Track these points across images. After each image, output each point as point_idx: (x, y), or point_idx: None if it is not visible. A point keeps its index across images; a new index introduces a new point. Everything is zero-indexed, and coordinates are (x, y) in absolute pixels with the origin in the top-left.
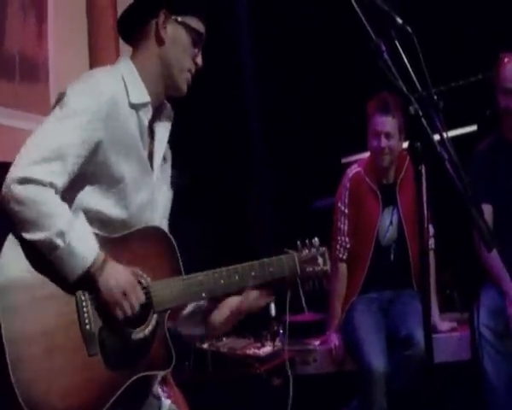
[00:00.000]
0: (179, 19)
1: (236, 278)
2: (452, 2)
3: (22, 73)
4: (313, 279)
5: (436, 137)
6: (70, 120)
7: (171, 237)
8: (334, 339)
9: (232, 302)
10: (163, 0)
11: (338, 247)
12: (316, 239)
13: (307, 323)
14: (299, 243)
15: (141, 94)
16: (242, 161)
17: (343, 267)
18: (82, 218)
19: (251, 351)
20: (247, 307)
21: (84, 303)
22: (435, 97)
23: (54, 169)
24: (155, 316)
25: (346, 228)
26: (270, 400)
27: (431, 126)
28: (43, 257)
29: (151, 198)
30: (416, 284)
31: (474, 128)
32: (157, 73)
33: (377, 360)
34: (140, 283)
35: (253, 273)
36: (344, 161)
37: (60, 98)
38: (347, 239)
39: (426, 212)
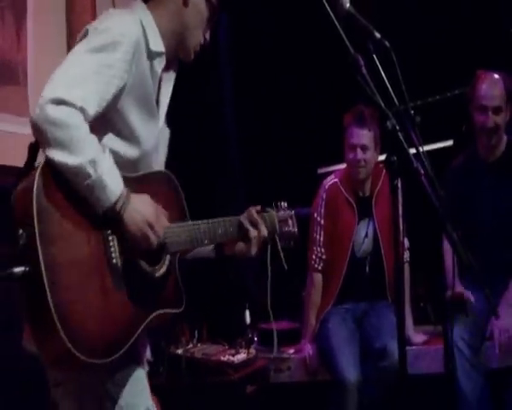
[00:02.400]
0: None
1: (231, 229)
2: (430, 16)
3: (0, 76)
4: (286, 239)
5: (412, 151)
6: (104, 53)
7: (178, 183)
8: (309, 348)
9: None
10: None
11: (313, 257)
12: (284, 203)
13: (282, 331)
14: (274, 204)
15: (158, 43)
16: (218, 169)
17: (318, 277)
18: (108, 152)
19: (225, 358)
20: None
21: (110, 238)
22: (412, 112)
23: (86, 96)
24: (169, 257)
25: (321, 239)
26: (244, 407)
27: (407, 141)
28: (74, 185)
29: (157, 143)
30: (390, 297)
31: (450, 143)
32: (172, 30)
33: (351, 371)
34: None
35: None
36: (320, 171)
37: (89, 31)
38: (323, 250)
39: (401, 225)
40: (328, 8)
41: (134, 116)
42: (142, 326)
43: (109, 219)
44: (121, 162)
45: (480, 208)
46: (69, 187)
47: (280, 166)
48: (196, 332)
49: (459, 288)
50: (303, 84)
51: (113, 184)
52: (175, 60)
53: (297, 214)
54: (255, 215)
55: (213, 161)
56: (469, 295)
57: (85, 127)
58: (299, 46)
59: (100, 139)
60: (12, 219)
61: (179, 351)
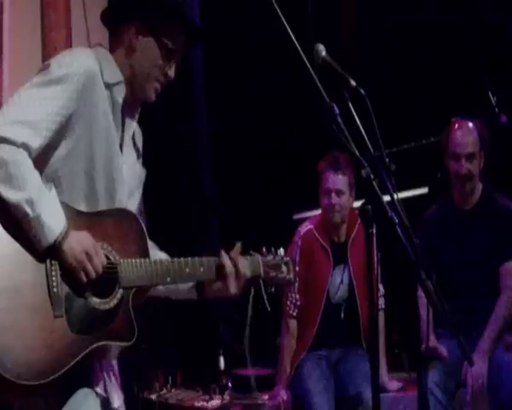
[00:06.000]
0: (152, 32)
1: (202, 269)
2: (405, 64)
3: None
4: (275, 285)
5: (387, 198)
6: (49, 87)
7: (140, 220)
8: (283, 394)
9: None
10: (136, 13)
11: (288, 303)
12: (281, 249)
13: (256, 377)
14: (264, 248)
15: (114, 74)
16: (194, 216)
17: (293, 324)
18: (53, 190)
19: (199, 403)
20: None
21: (52, 267)
22: (387, 159)
23: (28, 131)
24: (121, 291)
25: (296, 285)
26: None
27: (382, 188)
28: (14, 221)
29: (120, 177)
30: (365, 343)
31: (425, 190)
32: (126, 75)
33: None
34: (108, 258)
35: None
36: (296, 217)
37: (43, 68)
38: (298, 296)
39: (376, 272)
40: (304, 57)
41: (89, 145)
42: (83, 354)
43: (49, 252)
44: (77, 193)
45: (454, 256)
46: (9, 220)
47: (256, 211)
48: (170, 378)
49: (433, 342)
50: (279, 130)
51: (52, 223)
52: (137, 100)
53: None
54: (234, 253)
55: (187, 209)
56: (443, 351)
57: (27, 164)
58: (275, 92)
59: (55, 170)
60: None
61: (153, 396)
